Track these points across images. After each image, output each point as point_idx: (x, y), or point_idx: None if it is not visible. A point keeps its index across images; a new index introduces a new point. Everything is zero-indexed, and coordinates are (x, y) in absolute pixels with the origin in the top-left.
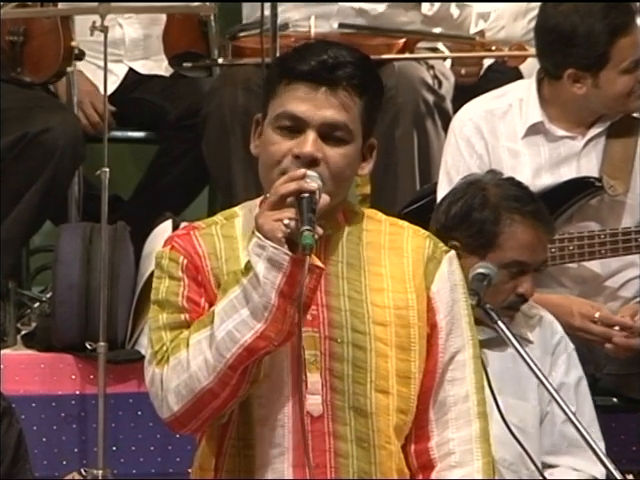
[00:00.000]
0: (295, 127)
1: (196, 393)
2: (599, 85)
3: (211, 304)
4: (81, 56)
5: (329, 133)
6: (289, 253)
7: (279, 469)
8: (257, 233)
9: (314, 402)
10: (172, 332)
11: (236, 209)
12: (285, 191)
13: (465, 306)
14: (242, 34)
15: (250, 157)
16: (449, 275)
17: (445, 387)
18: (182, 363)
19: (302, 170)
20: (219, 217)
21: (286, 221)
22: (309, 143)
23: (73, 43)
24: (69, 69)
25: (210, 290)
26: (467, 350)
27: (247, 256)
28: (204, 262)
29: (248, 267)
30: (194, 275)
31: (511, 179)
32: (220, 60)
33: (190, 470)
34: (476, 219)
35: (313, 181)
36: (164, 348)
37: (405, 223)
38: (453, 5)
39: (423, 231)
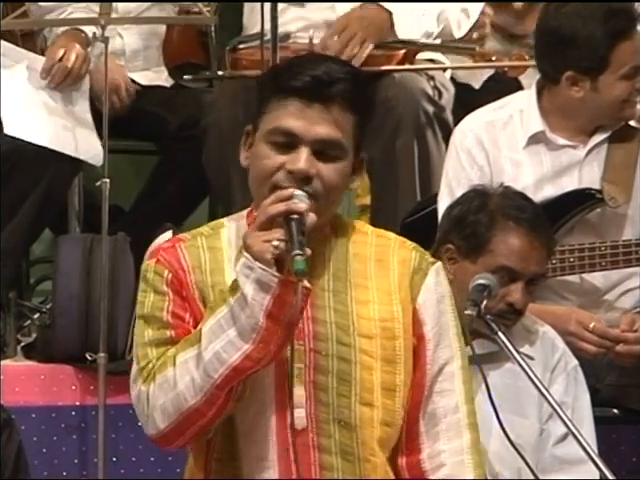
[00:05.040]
0: (288, 143)
1: (183, 412)
2: (597, 89)
3: (195, 319)
4: None
5: (323, 149)
6: (278, 275)
7: None
8: (245, 253)
9: (298, 415)
10: (158, 349)
11: (223, 220)
12: (274, 212)
13: (452, 317)
14: (242, 46)
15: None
16: (435, 287)
17: (434, 399)
18: (169, 381)
19: (290, 190)
20: (205, 228)
21: (275, 242)
22: (303, 160)
23: None
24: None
25: (194, 305)
26: (455, 361)
27: (232, 269)
28: (189, 277)
29: (235, 287)
30: (178, 290)
31: (518, 191)
32: (220, 72)
33: None
34: (470, 221)
35: (301, 201)
36: (150, 365)
37: (392, 234)
38: None
39: (409, 242)
